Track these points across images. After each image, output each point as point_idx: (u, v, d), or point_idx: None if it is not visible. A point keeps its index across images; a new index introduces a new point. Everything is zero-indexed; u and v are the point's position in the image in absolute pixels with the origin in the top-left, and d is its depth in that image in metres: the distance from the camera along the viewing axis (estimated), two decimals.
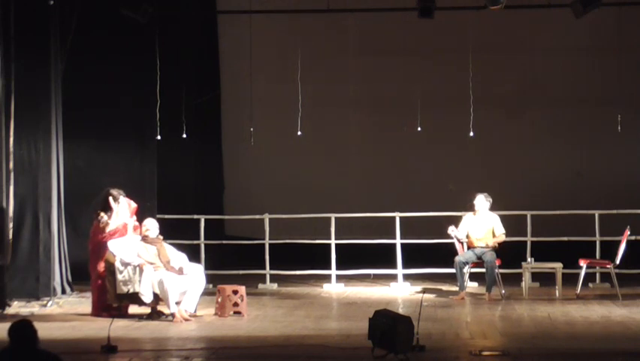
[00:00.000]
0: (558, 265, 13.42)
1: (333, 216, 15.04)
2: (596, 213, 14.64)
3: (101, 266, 11.83)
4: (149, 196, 14.80)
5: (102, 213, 12.12)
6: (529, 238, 14.66)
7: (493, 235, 13.41)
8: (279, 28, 16.64)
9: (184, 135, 15.00)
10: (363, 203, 16.17)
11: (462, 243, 13.65)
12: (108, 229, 12.01)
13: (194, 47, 16.77)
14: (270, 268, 14.97)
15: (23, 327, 6.19)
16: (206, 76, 17.28)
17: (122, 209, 12.16)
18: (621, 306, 12.41)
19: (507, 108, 16.85)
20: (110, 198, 12.13)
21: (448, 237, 13.70)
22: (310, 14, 15.47)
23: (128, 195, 12.37)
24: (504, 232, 13.46)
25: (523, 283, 13.69)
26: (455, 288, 13.79)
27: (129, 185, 12.59)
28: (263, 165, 17.21)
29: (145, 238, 11.81)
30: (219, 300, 11.81)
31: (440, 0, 13.78)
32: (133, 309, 11.82)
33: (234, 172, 17.52)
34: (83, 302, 13.02)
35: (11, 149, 12.94)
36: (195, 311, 11.64)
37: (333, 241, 14.97)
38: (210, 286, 13.42)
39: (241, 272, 14.86)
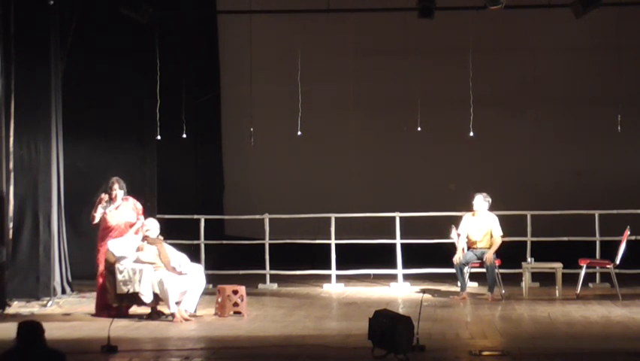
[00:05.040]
0: (558, 265, 13.42)
1: (333, 216, 15.04)
2: (596, 213, 14.64)
3: (102, 266, 11.84)
4: (149, 196, 14.79)
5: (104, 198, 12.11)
6: (529, 238, 14.66)
7: (491, 237, 13.38)
8: (279, 28, 16.62)
9: (184, 135, 14.99)
10: (363, 203, 16.15)
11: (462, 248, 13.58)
12: (108, 217, 11.97)
13: (194, 47, 16.77)
14: (270, 268, 14.97)
15: (32, 328, 6.19)
16: (206, 76, 17.27)
17: (125, 208, 12.14)
18: (621, 306, 12.41)
19: (507, 108, 16.83)
20: (113, 185, 12.12)
21: (448, 237, 13.69)
22: (310, 14, 15.47)
23: (130, 196, 12.35)
24: (501, 234, 13.41)
25: (523, 283, 13.69)
26: (455, 288, 13.80)
27: (129, 185, 12.57)
28: (263, 165, 17.20)
29: (146, 239, 11.81)
30: (219, 300, 11.81)
31: (440, 0, 13.78)
32: (133, 309, 11.82)
33: (234, 172, 17.50)
34: (83, 302, 13.03)
35: (11, 149, 12.94)
36: (195, 311, 11.65)
37: (333, 241, 14.97)
38: (210, 286, 13.42)
39: (241, 272, 14.86)
